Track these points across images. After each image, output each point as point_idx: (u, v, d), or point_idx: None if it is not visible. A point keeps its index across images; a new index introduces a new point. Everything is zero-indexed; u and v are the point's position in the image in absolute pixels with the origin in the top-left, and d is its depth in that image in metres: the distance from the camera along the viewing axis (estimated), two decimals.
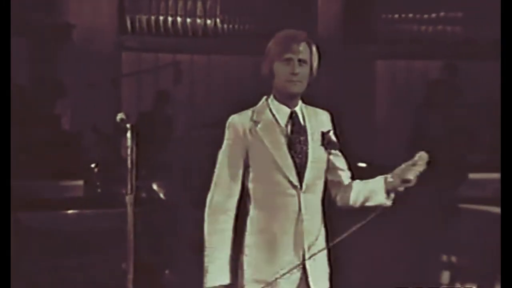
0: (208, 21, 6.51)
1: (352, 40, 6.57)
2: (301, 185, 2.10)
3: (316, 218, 2.11)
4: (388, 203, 2.06)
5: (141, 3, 6.37)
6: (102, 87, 5.76)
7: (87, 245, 3.27)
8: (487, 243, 3.22)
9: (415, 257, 3.41)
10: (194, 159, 5.66)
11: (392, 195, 2.05)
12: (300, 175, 2.10)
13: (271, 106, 2.13)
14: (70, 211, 3.43)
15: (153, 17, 6.41)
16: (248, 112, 2.13)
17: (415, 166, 2.00)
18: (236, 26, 6.53)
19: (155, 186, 4.75)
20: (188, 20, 6.48)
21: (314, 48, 2.12)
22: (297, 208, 2.08)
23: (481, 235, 3.27)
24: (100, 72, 5.89)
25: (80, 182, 4.09)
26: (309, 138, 2.12)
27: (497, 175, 3.35)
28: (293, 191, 2.09)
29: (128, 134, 2.06)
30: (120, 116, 2.08)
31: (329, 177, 2.17)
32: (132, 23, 6.38)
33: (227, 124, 2.11)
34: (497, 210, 3.13)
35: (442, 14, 6.64)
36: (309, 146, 2.11)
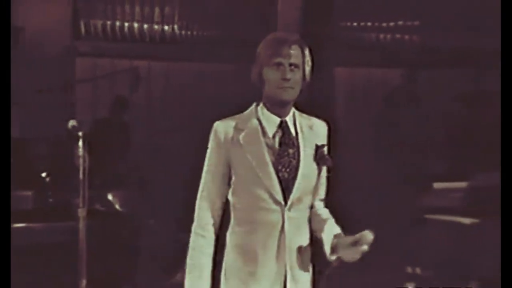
0: (166, 27, 6.40)
1: (311, 47, 6.54)
2: (285, 202, 1.93)
3: (302, 235, 1.95)
4: (331, 259, 1.91)
5: (96, 8, 6.21)
6: (53, 93, 5.58)
7: (35, 261, 3.10)
8: (452, 254, 3.18)
9: (379, 268, 3.36)
10: (152, 167, 5.52)
11: (336, 256, 1.90)
12: (286, 191, 1.92)
13: (259, 114, 1.96)
14: (17, 225, 3.25)
15: (108, 22, 6.26)
16: (233, 118, 1.98)
17: (357, 247, 1.83)
18: (194, 33, 6.44)
19: (110, 197, 4.59)
20: (145, 26, 6.36)
21: (306, 51, 1.98)
22: (280, 226, 1.92)
23: (446, 246, 3.23)
24: (52, 77, 5.71)
25: (29, 193, 3.91)
26: (301, 151, 1.94)
27: (461, 184, 3.32)
28: (277, 208, 1.92)
29: (80, 143, 1.93)
30: (71, 123, 1.96)
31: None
32: (86, 28, 6.21)
33: (211, 131, 1.97)
34: (462, 220, 3.09)
35: (400, 22, 6.67)
36: (301, 160, 1.93)
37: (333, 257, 1.90)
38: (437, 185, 3.47)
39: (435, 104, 5.83)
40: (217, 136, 1.96)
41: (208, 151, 1.97)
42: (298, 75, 1.94)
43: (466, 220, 3.05)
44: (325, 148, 1.96)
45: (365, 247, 1.82)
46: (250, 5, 6.38)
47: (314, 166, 1.95)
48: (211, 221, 1.97)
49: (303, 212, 1.96)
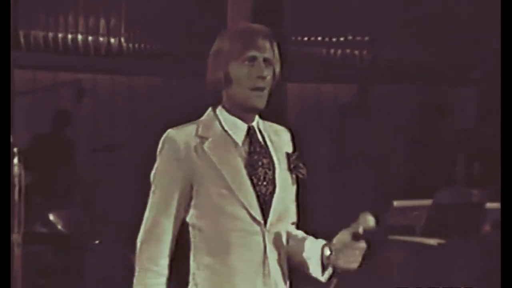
0: (112, 40, 6.20)
1: None
2: (265, 221, 1.59)
3: (283, 257, 1.64)
4: (323, 280, 1.61)
5: (37, 18, 5.95)
6: None
7: None
8: (418, 278, 3.07)
9: None
10: (97, 185, 5.31)
11: (330, 270, 1.60)
12: (264, 208, 1.59)
13: (221, 119, 1.62)
14: None
15: (50, 34, 6.00)
16: (191, 126, 1.63)
17: (357, 243, 1.52)
18: (142, 45, 6.25)
19: (52, 217, 4.34)
20: (90, 38, 6.13)
21: (276, 47, 1.65)
22: (261, 250, 1.58)
23: (412, 270, 3.11)
24: None
25: None
26: (275, 160, 1.63)
27: (422, 202, 3.24)
28: (256, 228, 1.58)
29: (16, 160, 1.71)
30: None
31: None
32: (26, 39, 5.94)
33: (161, 142, 1.61)
34: (427, 241, 2.99)
35: (350, 37, 6.66)
36: (276, 170, 1.62)
37: (326, 275, 1.61)
38: (397, 203, 3.37)
39: (389, 118, 5.80)
40: (172, 147, 1.59)
41: (158, 167, 1.61)
42: (270, 74, 1.63)
43: (432, 241, 2.94)
44: (296, 156, 1.67)
45: (363, 245, 1.53)
46: (198, 19, 6.24)
47: (289, 177, 1.65)
48: (164, 254, 1.60)
49: (284, 231, 1.64)
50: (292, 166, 1.66)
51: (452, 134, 5.49)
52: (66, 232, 4.38)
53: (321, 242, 1.64)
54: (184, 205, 1.61)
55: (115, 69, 6.10)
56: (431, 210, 3.11)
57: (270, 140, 1.66)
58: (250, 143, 1.63)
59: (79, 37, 6.08)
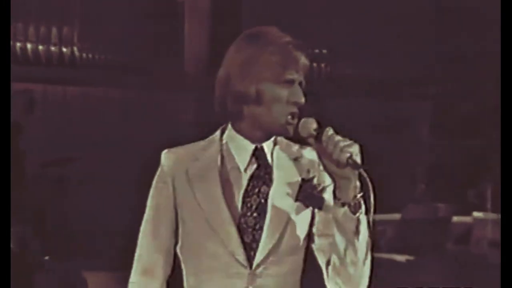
0: (64, 49, 6.00)
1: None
2: (251, 264, 1.35)
3: None
4: (343, 212, 1.32)
5: None
6: None
7: None
8: None
9: None
10: (48, 199, 5.12)
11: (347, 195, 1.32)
12: (251, 247, 1.36)
13: (225, 138, 1.43)
14: None
15: None
16: (190, 146, 1.47)
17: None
18: (96, 56, 6.07)
19: None
20: (41, 47, 5.92)
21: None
22: None
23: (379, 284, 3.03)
24: None
25: None
26: (272, 188, 1.38)
27: (390, 216, 3.18)
28: (240, 270, 1.35)
29: None
30: None
31: (315, 246, 1.39)
32: None
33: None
34: (396, 257, 2.91)
35: (308, 50, 6.65)
36: (269, 200, 1.36)
37: (343, 211, 1.33)
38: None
39: (346, 132, 5.76)
40: (162, 170, 1.43)
41: (150, 192, 1.46)
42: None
43: (401, 258, 2.86)
44: (316, 183, 1.39)
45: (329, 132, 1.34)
46: (155, 30, 6.12)
47: (297, 209, 1.37)
48: (155, 283, 1.43)
49: (283, 279, 1.36)
50: (301, 195, 1.39)
51: (411, 148, 5.50)
52: (15, 249, 4.20)
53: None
54: (171, 234, 1.44)
55: (68, 80, 5.91)
56: (399, 226, 3.04)
57: (280, 164, 1.42)
58: (258, 167, 1.41)
59: (28, 46, 5.87)
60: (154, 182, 1.46)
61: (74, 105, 6.06)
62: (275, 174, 1.42)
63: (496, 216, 3.68)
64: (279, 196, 1.40)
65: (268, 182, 1.40)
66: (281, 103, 1.40)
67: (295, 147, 1.46)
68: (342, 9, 6.26)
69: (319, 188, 1.41)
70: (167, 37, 6.32)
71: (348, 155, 1.33)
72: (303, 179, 1.41)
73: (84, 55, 6.05)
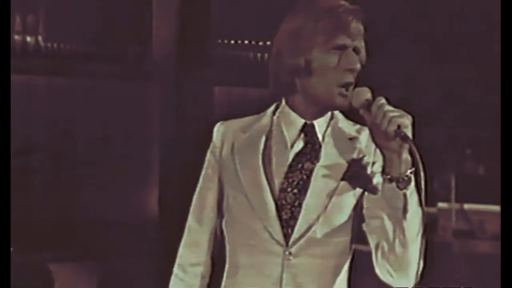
0: (29, 38, 5.89)
1: (188, 65, 6.37)
2: (287, 242, 1.29)
3: None
4: (390, 188, 1.24)
5: None
6: None
7: None
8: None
9: None
10: (12, 190, 5.02)
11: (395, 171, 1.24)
12: (289, 224, 1.29)
13: (278, 113, 1.37)
14: None
15: None
16: (245, 118, 1.43)
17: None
18: (61, 45, 5.98)
19: None
20: None
21: (364, 31, 1.36)
22: (277, 277, 1.28)
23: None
24: None
25: None
26: (317, 165, 1.31)
27: None
28: (277, 249, 1.29)
29: None
30: None
31: (367, 229, 1.31)
32: None
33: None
34: (358, 247, 2.93)
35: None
36: (312, 177, 1.30)
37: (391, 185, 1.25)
38: None
39: None
40: (213, 143, 1.41)
41: (205, 163, 1.42)
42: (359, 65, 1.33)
43: (363, 247, 2.87)
44: (368, 164, 1.30)
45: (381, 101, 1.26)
46: (122, 19, 6.05)
47: (342, 190, 1.30)
48: (194, 262, 1.41)
49: (322, 262, 1.28)
50: (348, 175, 1.31)
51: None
52: None
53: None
54: (217, 209, 1.41)
55: (32, 69, 5.81)
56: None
57: (331, 141, 1.35)
58: (305, 145, 1.35)
59: None
60: (207, 156, 1.43)
61: (39, 95, 5.97)
62: (324, 152, 1.35)
63: (459, 206, 3.75)
64: (324, 174, 1.32)
65: (313, 159, 1.33)
66: (333, 71, 1.32)
67: (354, 127, 1.39)
68: None
69: (368, 168, 1.33)
70: (134, 26, 6.26)
71: (396, 127, 1.24)
72: (352, 159, 1.34)
73: (49, 44, 5.95)
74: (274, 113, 1.40)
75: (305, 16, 1.34)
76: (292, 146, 1.36)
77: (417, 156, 1.24)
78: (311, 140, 1.36)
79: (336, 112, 1.40)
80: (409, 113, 1.28)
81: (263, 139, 1.37)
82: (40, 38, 5.94)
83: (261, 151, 1.36)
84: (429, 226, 4.30)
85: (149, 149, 5.72)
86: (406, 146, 1.26)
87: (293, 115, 1.37)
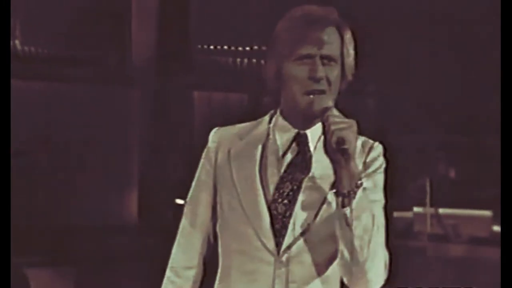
0: None
1: (168, 70, 6.37)
2: (278, 251, 1.31)
3: None
4: (335, 202, 1.26)
5: None
6: None
7: None
8: None
9: None
10: None
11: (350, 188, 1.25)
12: (281, 233, 1.31)
13: (273, 122, 1.37)
14: None
15: None
16: (242, 125, 1.42)
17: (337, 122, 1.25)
18: (39, 50, 5.94)
19: None
20: None
21: (347, 36, 1.34)
22: (270, 284, 1.29)
23: None
24: None
25: None
26: (309, 175, 1.32)
27: None
28: (268, 257, 1.31)
29: None
30: None
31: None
32: None
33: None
34: None
35: (255, 47, 6.68)
36: (303, 187, 1.30)
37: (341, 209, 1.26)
38: None
39: None
40: (208, 148, 1.40)
41: (198, 167, 1.43)
42: (335, 72, 1.32)
43: None
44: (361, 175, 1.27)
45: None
46: (102, 24, 6.03)
47: (329, 201, 1.30)
48: (187, 265, 1.41)
49: (313, 270, 1.30)
50: (335, 187, 1.29)
51: None
52: None
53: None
54: (211, 214, 1.41)
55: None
56: None
57: (322, 152, 1.31)
58: (297, 153, 1.35)
59: None
60: (201, 161, 1.43)
61: (16, 100, 5.92)
62: (315, 163, 1.35)
63: (434, 211, 3.79)
64: (313, 185, 1.33)
65: (303, 169, 1.33)
66: (299, 80, 1.32)
67: (359, 137, 1.36)
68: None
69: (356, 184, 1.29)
70: (114, 32, 6.25)
71: (336, 139, 1.25)
72: None
73: (26, 48, 5.91)
74: (270, 121, 1.40)
75: (281, 25, 1.36)
76: (284, 155, 1.36)
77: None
78: (303, 150, 1.36)
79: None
80: (357, 122, 1.29)
81: (260, 147, 1.37)
82: (17, 42, 5.90)
83: (258, 159, 1.36)
84: (405, 230, 4.33)
85: (129, 153, 5.71)
86: (354, 159, 1.27)
87: (286, 124, 1.37)
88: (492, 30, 5.16)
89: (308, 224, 1.32)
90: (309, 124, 1.37)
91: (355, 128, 1.28)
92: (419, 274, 3.70)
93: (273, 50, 1.35)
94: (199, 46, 6.54)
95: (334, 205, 1.31)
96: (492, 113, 5.23)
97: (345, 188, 1.26)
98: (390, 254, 1.35)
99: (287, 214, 1.33)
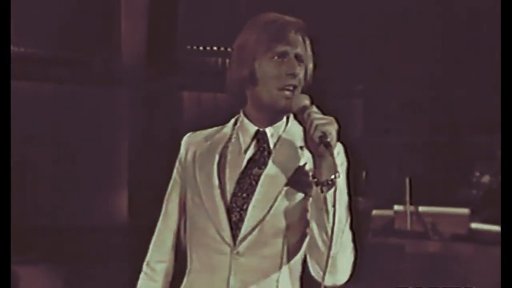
0: None
1: (157, 70, 6.40)
2: (234, 242, 1.41)
3: None
4: (315, 191, 1.34)
5: None
6: None
7: None
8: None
9: None
10: None
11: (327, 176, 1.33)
12: (238, 226, 1.41)
13: (238, 123, 1.52)
14: None
15: None
16: (210, 129, 1.58)
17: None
18: (28, 50, 5.97)
19: None
20: None
21: (309, 43, 1.49)
22: (225, 275, 1.39)
23: None
24: None
25: None
26: (266, 170, 1.42)
27: None
28: (225, 248, 1.41)
29: None
30: None
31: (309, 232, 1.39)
32: None
33: None
34: None
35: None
36: (260, 182, 1.42)
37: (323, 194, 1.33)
38: None
39: None
40: (180, 151, 1.56)
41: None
42: (302, 72, 1.46)
43: None
44: (308, 169, 1.40)
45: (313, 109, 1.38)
46: (91, 24, 6.06)
47: (288, 195, 1.40)
48: (159, 260, 1.55)
49: (268, 262, 1.38)
50: (292, 181, 1.41)
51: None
52: None
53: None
54: (181, 211, 1.55)
55: None
56: None
57: (281, 148, 1.45)
58: (257, 150, 1.48)
59: None
60: (177, 163, 1.56)
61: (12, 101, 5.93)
62: (273, 158, 1.45)
63: (414, 209, 3.88)
64: (270, 179, 1.43)
65: (262, 165, 1.45)
66: (275, 77, 1.43)
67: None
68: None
69: (310, 175, 1.40)
70: (103, 31, 6.27)
71: (320, 134, 1.35)
72: (298, 166, 1.44)
73: (15, 48, 5.94)
74: (235, 123, 1.54)
75: (249, 31, 1.49)
76: (245, 152, 1.48)
77: (334, 164, 1.35)
78: (261, 147, 1.48)
79: (292, 119, 1.51)
80: (336, 119, 1.39)
81: (221, 146, 1.51)
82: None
83: (217, 157, 1.49)
84: (386, 228, 4.41)
85: (118, 153, 5.74)
86: (330, 150, 1.36)
87: (248, 123, 1.50)
88: (480, 29, 5.23)
89: (264, 217, 1.41)
90: (271, 122, 1.49)
91: (335, 123, 1.39)
92: (398, 270, 3.80)
93: (244, 51, 1.47)
94: (188, 47, 6.58)
95: (289, 199, 1.40)
96: (474, 114, 5.32)
97: (324, 177, 1.36)
98: (356, 251, 1.42)
99: (245, 207, 1.43)
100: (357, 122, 6.21)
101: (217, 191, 1.44)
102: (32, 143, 5.43)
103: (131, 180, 5.71)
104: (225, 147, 1.50)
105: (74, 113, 5.67)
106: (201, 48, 6.66)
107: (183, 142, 1.57)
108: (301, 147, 1.48)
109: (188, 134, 1.58)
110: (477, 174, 4.30)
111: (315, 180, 1.37)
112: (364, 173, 4.62)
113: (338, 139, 1.41)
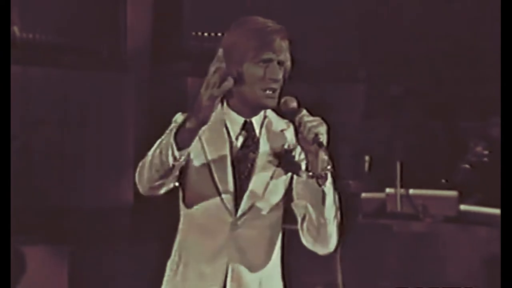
0: None
1: (162, 57, 6.46)
2: (236, 211, 1.65)
3: (253, 259, 1.64)
4: (311, 183, 1.58)
5: None
6: None
7: None
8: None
9: None
10: None
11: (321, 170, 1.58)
12: (238, 202, 1.65)
13: (224, 112, 1.71)
14: None
15: None
16: None
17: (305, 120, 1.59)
18: (37, 36, 6.05)
19: None
20: None
21: (288, 45, 1.72)
22: (224, 241, 1.63)
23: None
24: None
25: None
26: (259, 155, 1.68)
27: None
28: (226, 217, 1.65)
29: None
30: None
31: (294, 205, 1.68)
32: None
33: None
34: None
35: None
36: (256, 165, 1.67)
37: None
38: None
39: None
40: (174, 121, 1.73)
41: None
42: (282, 73, 1.70)
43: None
44: (297, 152, 1.67)
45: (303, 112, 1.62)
46: (97, 11, 6.13)
47: (278, 175, 1.66)
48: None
49: (265, 233, 1.65)
50: (282, 162, 1.68)
51: (338, 128, 5.72)
52: None
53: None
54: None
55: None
56: None
57: (267, 135, 1.70)
58: (247, 137, 1.70)
59: None
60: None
61: (14, 85, 6.04)
62: (262, 144, 1.70)
63: (404, 191, 4.01)
64: (263, 162, 1.68)
65: (255, 150, 1.69)
66: (260, 80, 1.66)
67: (283, 121, 1.74)
68: None
69: (296, 156, 1.68)
70: (109, 19, 6.34)
71: (313, 135, 1.59)
72: (285, 149, 1.70)
73: (24, 34, 6.02)
74: (222, 110, 1.73)
75: (238, 34, 1.70)
76: (236, 139, 1.71)
77: (328, 160, 1.62)
78: (251, 134, 1.72)
79: (269, 111, 1.76)
80: (325, 121, 1.62)
81: (224, 129, 1.71)
82: (15, 28, 6.00)
83: (227, 139, 1.70)
84: (378, 210, 4.52)
85: (124, 137, 5.84)
86: (323, 149, 1.61)
87: (234, 114, 1.71)
88: (477, 22, 5.28)
89: (261, 194, 1.67)
90: (253, 114, 1.73)
91: (324, 123, 1.64)
92: (389, 249, 3.94)
93: (232, 52, 1.68)
94: (193, 33, 6.64)
95: (278, 178, 1.67)
96: (467, 98, 5.39)
97: (319, 171, 1.62)
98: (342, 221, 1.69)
99: (244, 187, 1.67)
100: (357, 108, 6.27)
101: (230, 173, 1.65)
102: (42, 126, 5.52)
103: (137, 163, 5.80)
104: (227, 135, 1.72)
105: (80, 97, 5.76)
106: (205, 34, 6.72)
107: (177, 117, 1.74)
108: (281, 131, 1.74)
109: (178, 114, 1.76)
110: (471, 144, 4.47)
111: (310, 173, 1.61)
112: (367, 157, 4.72)
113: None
